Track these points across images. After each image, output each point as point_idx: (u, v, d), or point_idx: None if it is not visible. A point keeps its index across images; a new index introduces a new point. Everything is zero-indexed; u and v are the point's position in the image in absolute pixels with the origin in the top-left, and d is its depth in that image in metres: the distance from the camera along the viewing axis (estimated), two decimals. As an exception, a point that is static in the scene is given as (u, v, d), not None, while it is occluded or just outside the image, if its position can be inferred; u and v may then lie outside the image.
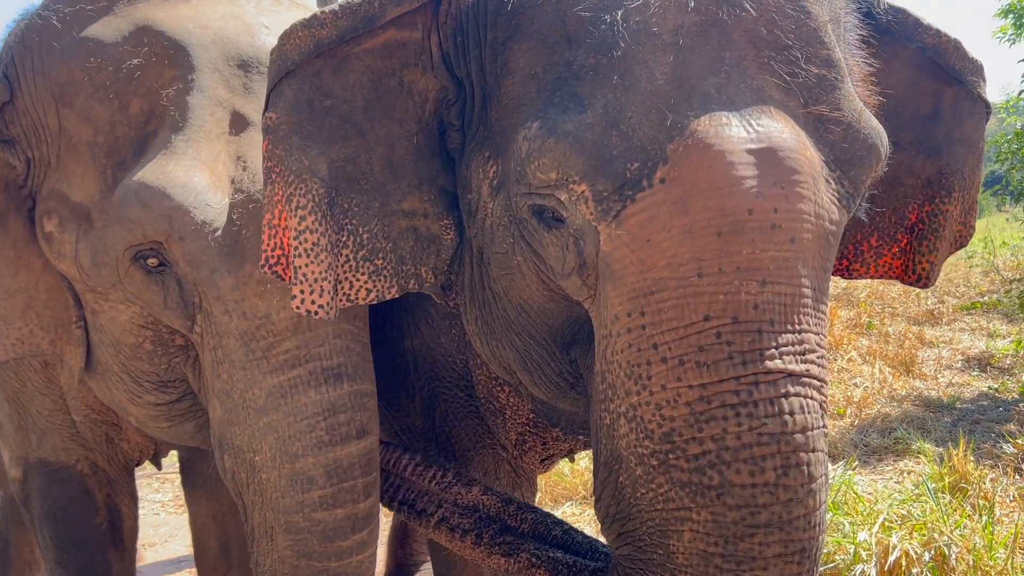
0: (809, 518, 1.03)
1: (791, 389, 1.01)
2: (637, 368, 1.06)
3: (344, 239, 1.29)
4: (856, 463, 3.58)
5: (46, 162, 1.51)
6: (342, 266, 1.29)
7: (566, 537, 1.46)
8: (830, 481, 3.15)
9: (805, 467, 1.01)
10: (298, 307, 1.26)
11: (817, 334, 1.05)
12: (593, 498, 1.21)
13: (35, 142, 1.50)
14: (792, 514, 1.01)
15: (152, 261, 1.44)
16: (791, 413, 1.01)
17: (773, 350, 1.01)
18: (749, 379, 1.00)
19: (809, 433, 1.02)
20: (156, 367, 1.56)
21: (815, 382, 1.03)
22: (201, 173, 1.38)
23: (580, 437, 1.60)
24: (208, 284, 1.40)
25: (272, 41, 1.47)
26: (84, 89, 1.44)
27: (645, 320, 1.05)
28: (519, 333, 1.32)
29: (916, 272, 1.47)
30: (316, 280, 1.26)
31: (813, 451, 1.02)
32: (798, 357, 1.02)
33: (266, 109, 1.25)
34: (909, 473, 3.69)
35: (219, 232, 1.38)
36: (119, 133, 1.44)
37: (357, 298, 1.32)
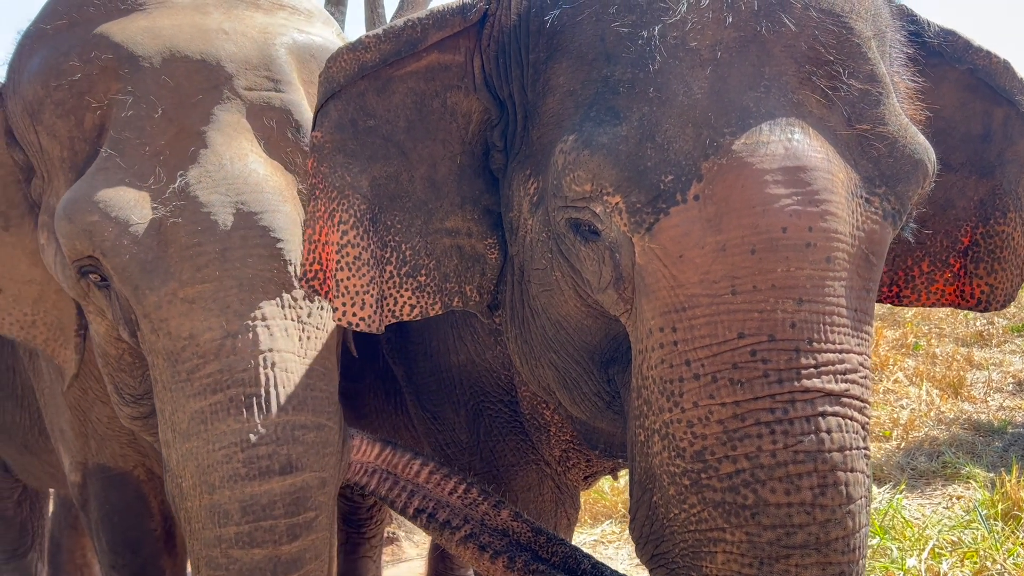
0: (848, 540, 1.00)
1: (829, 408, 1.00)
2: (669, 384, 1.05)
3: (388, 255, 1.32)
4: (904, 487, 3.50)
5: (42, 175, 1.56)
6: (386, 282, 1.32)
7: (595, 572, 1.43)
8: (876, 505, 3.10)
9: (843, 487, 0.99)
10: (339, 319, 1.29)
11: (860, 354, 1.03)
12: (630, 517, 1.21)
13: (31, 154, 1.56)
14: (830, 535, 0.99)
15: (94, 276, 1.43)
16: (828, 431, 0.99)
17: (811, 369, 0.99)
18: (785, 397, 0.99)
19: (847, 452, 1.00)
20: (135, 379, 1.56)
21: (856, 402, 1.02)
22: (129, 188, 1.36)
23: (619, 460, 1.60)
24: (135, 301, 1.38)
25: (229, 46, 1.48)
26: (47, 107, 1.46)
27: (677, 336, 1.04)
28: (557, 351, 1.32)
29: (974, 296, 1.43)
30: (358, 293, 1.29)
31: (852, 471, 1.00)
32: (837, 377, 1.00)
33: (313, 128, 1.30)
34: (958, 498, 3.58)
35: (140, 249, 1.35)
36: (78, 148, 1.46)
37: (402, 314, 1.35)
